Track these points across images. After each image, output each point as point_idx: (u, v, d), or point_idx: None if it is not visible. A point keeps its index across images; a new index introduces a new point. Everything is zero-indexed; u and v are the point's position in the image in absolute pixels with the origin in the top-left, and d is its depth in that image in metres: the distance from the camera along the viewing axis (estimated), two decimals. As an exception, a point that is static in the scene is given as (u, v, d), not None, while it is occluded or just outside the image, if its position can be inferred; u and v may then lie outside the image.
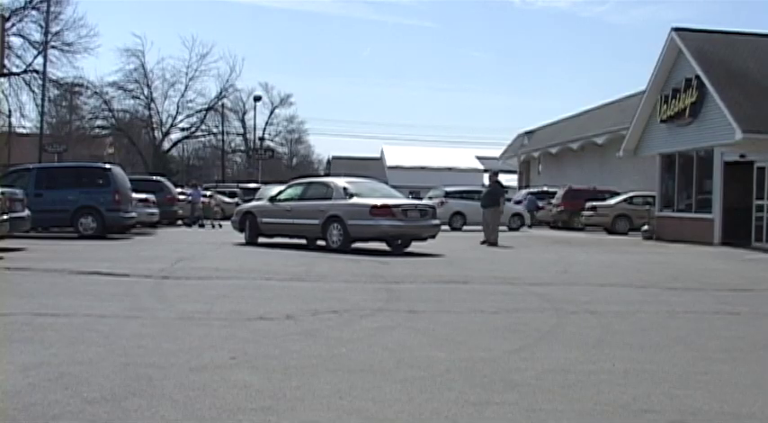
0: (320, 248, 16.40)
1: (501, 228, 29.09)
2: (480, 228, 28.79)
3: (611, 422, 4.11)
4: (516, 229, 29.47)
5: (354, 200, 16.35)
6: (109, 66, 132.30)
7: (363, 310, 7.77)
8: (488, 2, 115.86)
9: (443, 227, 27.65)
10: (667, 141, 25.83)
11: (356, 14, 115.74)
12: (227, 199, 35.86)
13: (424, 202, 18.64)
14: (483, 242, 19.75)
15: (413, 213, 16.29)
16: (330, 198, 16.82)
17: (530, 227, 33.50)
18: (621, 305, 8.72)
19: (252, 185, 39.90)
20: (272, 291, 9.22)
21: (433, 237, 17.03)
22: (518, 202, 36.29)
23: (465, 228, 28.65)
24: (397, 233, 16.19)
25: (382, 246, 16.91)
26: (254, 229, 18.45)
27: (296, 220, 17.23)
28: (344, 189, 16.90)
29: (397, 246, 16.81)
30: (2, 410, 3.98)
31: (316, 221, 16.60)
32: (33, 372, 4.80)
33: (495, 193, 20.66)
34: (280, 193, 18.78)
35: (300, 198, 17.70)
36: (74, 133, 49.94)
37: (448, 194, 29.98)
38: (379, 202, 16.13)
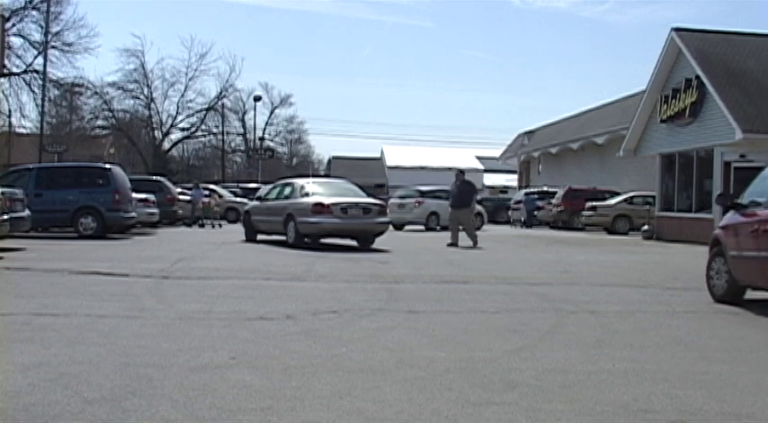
0: (321, 248, 16.42)
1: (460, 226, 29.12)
2: (461, 227, 28.87)
3: (611, 422, 4.11)
4: (477, 229, 29.26)
5: (305, 199, 17.32)
6: (109, 66, 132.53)
7: (363, 310, 7.77)
8: (487, 1, 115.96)
9: (419, 227, 27.86)
10: (667, 141, 25.83)
11: (355, 14, 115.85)
12: (237, 199, 34.89)
13: (369, 199, 18.25)
14: (450, 244, 18.57)
15: (354, 211, 16.92)
16: (291, 197, 17.90)
17: (529, 226, 33.53)
18: (621, 305, 8.71)
19: (252, 185, 39.86)
20: (272, 291, 9.22)
21: (381, 234, 17.59)
22: (518, 202, 36.34)
23: (437, 227, 28.57)
24: (336, 230, 16.97)
25: (350, 242, 17.59)
26: (250, 227, 19.56)
27: (270, 218, 18.47)
28: (302, 188, 17.98)
29: (363, 241, 17.42)
30: (2, 410, 3.98)
31: (280, 219, 17.68)
32: (33, 372, 4.80)
33: (467, 193, 19.18)
34: (268, 192, 20.02)
35: (276, 197, 18.95)
36: (74, 133, 49.91)
37: (423, 194, 29.07)
38: (323, 200, 16.92)
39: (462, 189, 19.22)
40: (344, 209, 16.80)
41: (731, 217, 9.45)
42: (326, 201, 16.85)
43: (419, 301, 8.54)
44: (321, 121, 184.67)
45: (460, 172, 20.05)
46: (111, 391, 4.38)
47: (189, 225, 28.57)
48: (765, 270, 8.33)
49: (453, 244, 18.58)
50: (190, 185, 31.98)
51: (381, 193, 43.03)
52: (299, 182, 19.01)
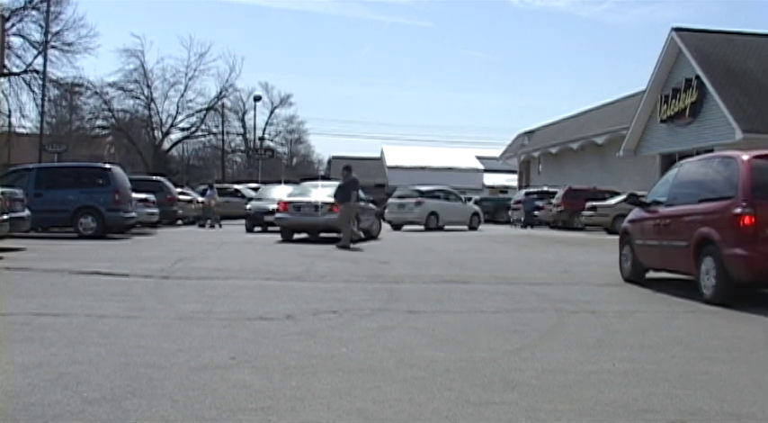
0: (321, 246, 16.43)
1: (461, 226, 29.32)
2: (456, 227, 29.06)
3: (611, 422, 4.11)
4: (475, 229, 29.57)
5: (285, 198, 20.36)
6: (109, 66, 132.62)
7: (363, 310, 7.77)
8: (486, 1, 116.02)
9: (419, 227, 27.95)
10: (667, 141, 25.83)
11: (354, 14, 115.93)
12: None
13: (323, 199, 18.92)
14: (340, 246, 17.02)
15: (306, 209, 19.23)
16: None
17: (532, 227, 33.51)
18: (621, 305, 8.72)
19: (252, 185, 39.87)
20: (272, 291, 9.22)
21: (332, 229, 18.77)
22: (518, 203, 36.31)
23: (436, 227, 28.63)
24: (290, 224, 19.51)
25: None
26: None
27: None
28: (293, 188, 21.40)
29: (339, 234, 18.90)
30: (2, 410, 3.98)
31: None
32: (33, 372, 4.80)
33: (348, 187, 17.76)
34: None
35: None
36: (74, 133, 49.87)
37: (422, 194, 28.97)
38: (285, 199, 20.01)
39: (344, 183, 18.10)
40: (297, 207, 19.30)
41: (637, 213, 11.30)
42: (286, 199, 19.85)
43: (419, 301, 8.54)
44: (321, 121, 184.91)
45: (346, 167, 18.89)
46: (111, 391, 4.38)
47: (211, 225, 28.47)
48: (664, 255, 10.23)
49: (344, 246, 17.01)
50: (204, 188, 32.18)
51: (380, 193, 43.02)
52: (303, 184, 22.43)
